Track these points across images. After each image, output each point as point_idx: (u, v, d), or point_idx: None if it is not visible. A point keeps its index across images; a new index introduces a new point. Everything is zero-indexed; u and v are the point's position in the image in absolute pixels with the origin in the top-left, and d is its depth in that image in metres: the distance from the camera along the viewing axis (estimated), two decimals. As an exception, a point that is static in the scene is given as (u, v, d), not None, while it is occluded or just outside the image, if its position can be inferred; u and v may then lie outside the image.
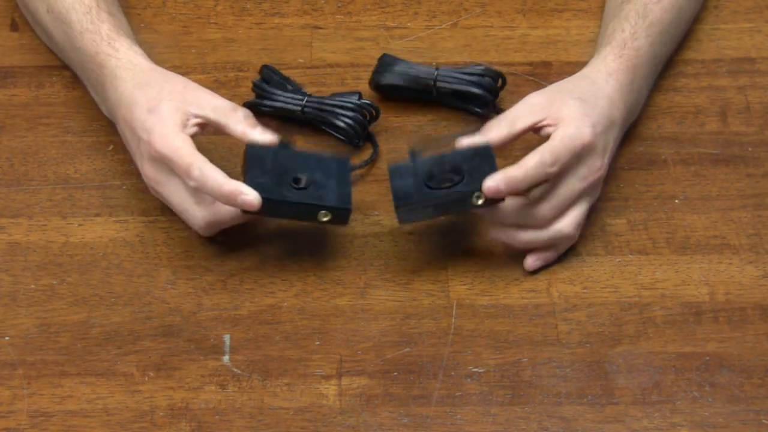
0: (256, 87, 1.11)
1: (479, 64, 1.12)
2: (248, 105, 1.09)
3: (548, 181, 1.01)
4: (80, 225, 1.06)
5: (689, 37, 1.19)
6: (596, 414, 0.96)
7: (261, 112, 1.09)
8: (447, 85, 1.11)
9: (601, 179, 1.04)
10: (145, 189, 1.07)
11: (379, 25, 1.20)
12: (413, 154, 1.02)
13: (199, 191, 1.00)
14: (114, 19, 1.10)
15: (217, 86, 1.14)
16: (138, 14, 1.20)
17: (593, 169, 1.02)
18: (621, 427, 0.96)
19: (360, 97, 1.10)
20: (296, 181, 1.01)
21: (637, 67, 1.08)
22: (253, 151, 1.01)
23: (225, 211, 1.00)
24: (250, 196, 0.97)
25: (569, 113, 1.01)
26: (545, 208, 1.01)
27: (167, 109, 1.01)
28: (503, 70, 1.16)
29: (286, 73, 1.15)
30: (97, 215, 1.07)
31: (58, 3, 1.10)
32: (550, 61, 1.17)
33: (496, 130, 1.02)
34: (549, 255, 1.04)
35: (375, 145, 1.11)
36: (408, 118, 1.13)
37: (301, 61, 1.17)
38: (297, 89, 1.11)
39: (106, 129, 1.12)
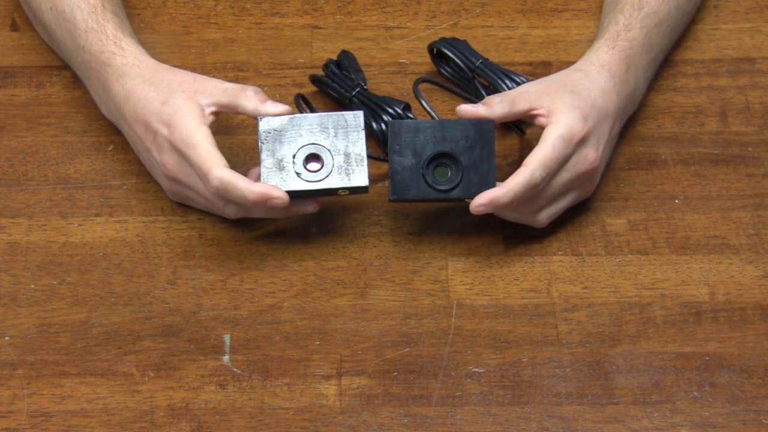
0: (325, 66, 1.13)
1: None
2: (312, 77, 1.13)
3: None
4: (80, 225, 1.06)
5: (689, 37, 1.19)
6: (596, 414, 0.96)
7: (320, 87, 1.14)
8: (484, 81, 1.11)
9: (594, 171, 1.04)
10: (146, 189, 1.08)
11: (379, 25, 1.20)
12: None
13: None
14: (118, 19, 1.10)
15: (217, 86, 1.14)
16: (138, 14, 1.20)
17: (585, 161, 1.02)
18: (621, 427, 0.96)
19: (405, 108, 1.09)
20: (312, 157, 1.01)
21: (631, 57, 1.08)
22: (266, 125, 1.01)
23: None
24: (280, 198, 0.99)
25: (561, 106, 1.02)
26: (530, 201, 1.01)
27: (181, 100, 1.02)
28: (503, 70, 1.16)
29: (286, 72, 1.15)
30: (97, 215, 1.07)
31: (62, 1, 1.10)
32: (550, 61, 1.17)
33: (498, 106, 1.02)
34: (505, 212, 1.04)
35: None
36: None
37: (301, 61, 1.17)
38: (361, 78, 1.12)
39: (106, 129, 1.12)
